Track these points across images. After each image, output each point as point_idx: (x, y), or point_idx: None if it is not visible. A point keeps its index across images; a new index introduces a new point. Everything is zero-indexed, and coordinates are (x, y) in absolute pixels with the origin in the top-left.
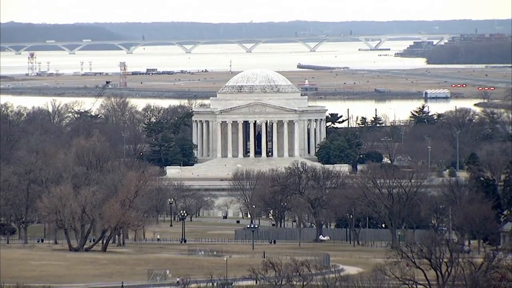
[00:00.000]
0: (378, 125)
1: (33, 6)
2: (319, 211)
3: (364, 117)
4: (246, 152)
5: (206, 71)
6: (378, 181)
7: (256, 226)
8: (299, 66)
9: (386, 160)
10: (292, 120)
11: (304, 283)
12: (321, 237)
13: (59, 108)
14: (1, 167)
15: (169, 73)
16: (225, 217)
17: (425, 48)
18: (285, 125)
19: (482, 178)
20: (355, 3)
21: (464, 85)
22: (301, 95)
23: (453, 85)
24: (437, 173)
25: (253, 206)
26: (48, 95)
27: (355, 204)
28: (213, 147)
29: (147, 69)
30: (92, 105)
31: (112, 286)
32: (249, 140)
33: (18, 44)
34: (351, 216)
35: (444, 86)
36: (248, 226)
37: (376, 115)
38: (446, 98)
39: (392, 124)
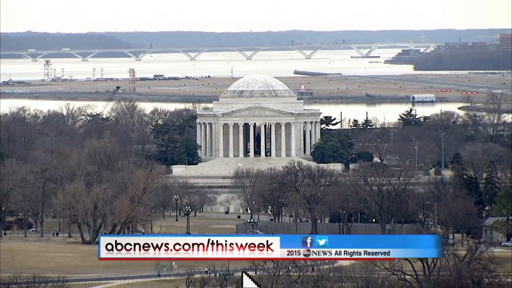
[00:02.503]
0: (369, 127)
1: (49, 17)
2: (314, 207)
3: (356, 119)
4: (246, 152)
5: (209, 77)
6: (369, 179)
7: (256, 220)
8: (296, 72)
9: (376, 159)
10: (289, 123)
11: (300, 274)
12: None
13: (73, 111)
14: (19, 166)
15: (175, 78)
16: (226, 213)
17: (413, 56)
18: (283, 127)
19: (465, 176)
20: (348, 14)
21: (448, 90)
22: (297, 99)
23: (439, 90)
24: (424, 171)
25: (253, 202)
26: (62, 99)
27: (347, 201)
28: (215, 147)
29: (154, 75)
30: (103, 108)
31: (121, 276)
32: (249, 141)
33: (34, 52)
34: (344, 211)
35: (430, 91)
36: (248, 220)
37: (367, 118)
38: (432, 102)
39: (382, 126)
